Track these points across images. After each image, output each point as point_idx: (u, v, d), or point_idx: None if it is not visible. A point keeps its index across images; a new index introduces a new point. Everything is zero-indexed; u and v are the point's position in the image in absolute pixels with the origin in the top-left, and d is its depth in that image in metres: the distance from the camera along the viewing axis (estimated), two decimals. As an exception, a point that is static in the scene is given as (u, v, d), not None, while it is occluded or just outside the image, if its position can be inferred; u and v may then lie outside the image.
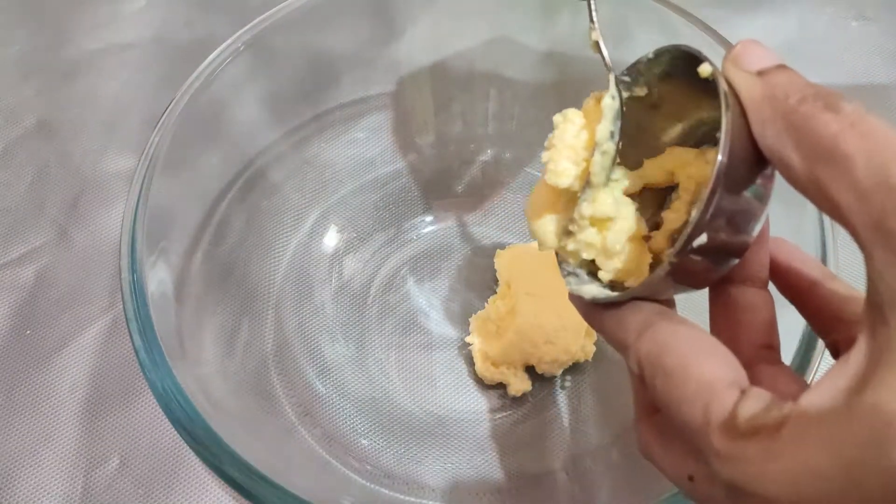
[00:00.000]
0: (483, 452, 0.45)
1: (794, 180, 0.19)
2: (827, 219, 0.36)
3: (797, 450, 0.17)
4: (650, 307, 0.23)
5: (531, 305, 0.47)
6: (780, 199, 0.40)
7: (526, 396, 0.47)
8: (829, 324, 0.25)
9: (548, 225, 0.26)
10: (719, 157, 0.20)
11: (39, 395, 0.47)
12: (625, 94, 0.25)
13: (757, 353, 0.24)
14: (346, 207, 0.54)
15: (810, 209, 0.37)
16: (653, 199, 0.27)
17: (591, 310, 0.25)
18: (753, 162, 0.21)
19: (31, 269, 0.53)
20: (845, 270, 0.51)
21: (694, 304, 0.27)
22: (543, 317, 0.47)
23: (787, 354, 0.34)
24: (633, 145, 0.25)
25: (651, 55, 0.25)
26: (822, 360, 0.33)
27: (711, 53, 0.32)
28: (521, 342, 0.46)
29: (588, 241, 0.25)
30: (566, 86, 0.54)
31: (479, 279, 0.52)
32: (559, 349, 0.46)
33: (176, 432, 0.32)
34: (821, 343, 0.33)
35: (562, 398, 0.47)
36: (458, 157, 0.57)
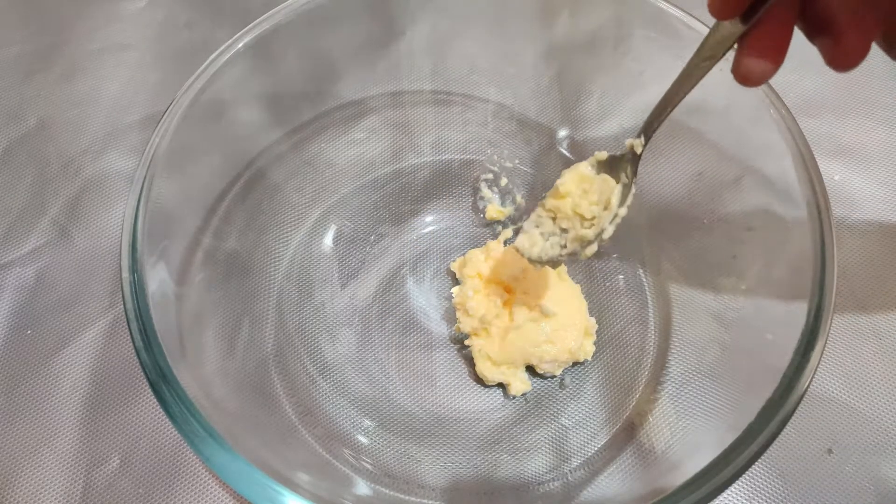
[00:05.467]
0: (483, 452, 0.45)
1: None
2: (826, 216, 0.36)
3: None
4: None
5: (531, 306, 0.47)
6: (780, 200, 0.40)
7: (526, 396, 0.47)
8: None
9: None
10: None
11: (40, 395, 0.47)
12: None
13: None
14: (346, 207, 0.54)
15: (810, 212, 0.37)
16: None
17: None
18: None
19: (31, 268, 0.53)
20: (846, 270, 0.51)
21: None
22: (543, 317, 0.47)
23: (787, 354, 0.34)
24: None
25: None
26: (822, 361, 0.33)
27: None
28: (521, 342, 0.46)
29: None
30: (566, 85, 0.54)
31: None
32: (559, 349, 0.46)
33: (176, 432, 0.32)
34: (820, 344, 0.33)
35: (562, 398, 0.47)
36: (457, 157, 0.57)
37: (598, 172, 0.41)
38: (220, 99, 0.44)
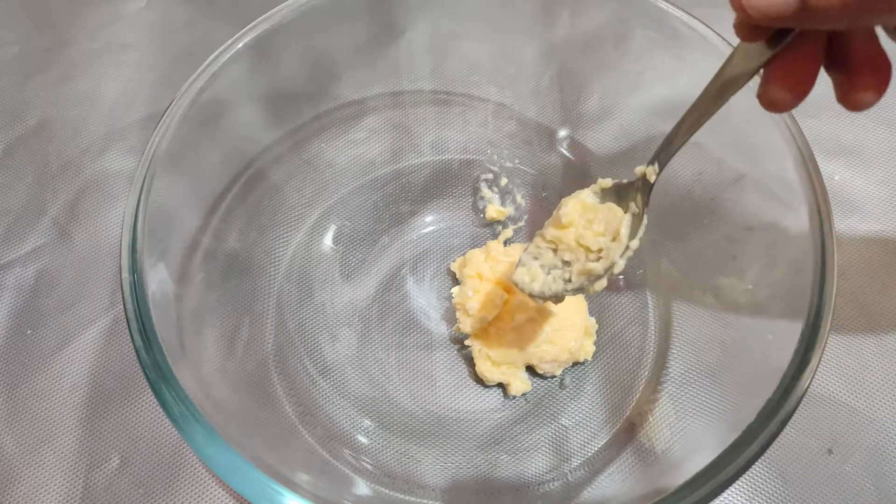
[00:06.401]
0: (483, 452, 0.45)
1: None
2: (826, 217, 0.36)
3: None
4: None
5: (531, 305, 0.47)
6: (780, 200, 0.40)
7: (526, 396, 0.47)
8: None
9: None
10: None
11: (40, 395, 0.47)
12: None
13: None
14: (346, 207, 0.54)
15: (810, 212, 0.37)
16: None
17: None
18: None
19: (31, 268, 0.53)
20: (846, 270, 0.51)
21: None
22: (543, 317, 0.47)
23: (787, 354, 0.34)
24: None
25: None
26: (822, 361, 0.33)
27: (709, 51, 0.32)
28: (521, 342, 0.46)
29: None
30: (566, 85, 0.54)
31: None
32: (559, 349, 0.46)
33: (176, 432, 0.32)
34: (820, 344, 0.33)
35: (562, 398, 0.47)
36: (457, 156, 0.57)
37: (602, 201, 0.39)
38: (220, 99, 0.44)
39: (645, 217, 0.37)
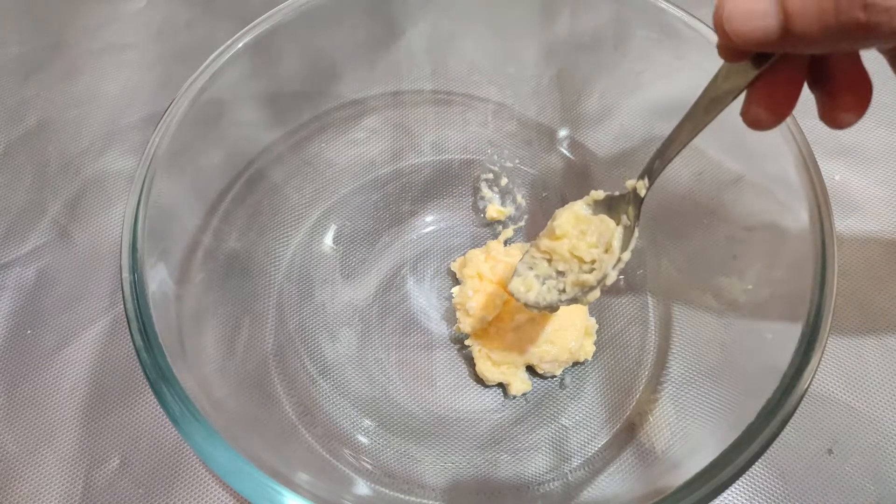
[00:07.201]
0: (483, 452, 0.45)
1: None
2: (826, 216, 0.36)
3: None
4: None
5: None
6: (780, 200, 0.40)
7: (526, 396, 0.47)
8: None
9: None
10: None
11: (40, 395, 0.47)
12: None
13: None
14: (346, 207, 0.54)
15: (810, 212, 0.37)
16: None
17: None
18: None
19: (31, 268, 0.53)
20: (846, 269, 0.51)
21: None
22: (543, 317, 0.47)
23: (787, 354, 0.34)
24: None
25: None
26: (821, 361, 0.33)
27: (709, 51, 0.32)
28: (521, 342, 0.46)
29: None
30: (566, 85, 0.54)
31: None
32: (559, 349, 0.46)
33: (176, 432, 0.32)
34: (820, 344, 0.33)
35: (562, 398, 0.47)
36: (457, 156, 0.57)
37: (595, 212, 0.39)
38: (220, 99, 0.44)
39: (636, 230, 0.37)
